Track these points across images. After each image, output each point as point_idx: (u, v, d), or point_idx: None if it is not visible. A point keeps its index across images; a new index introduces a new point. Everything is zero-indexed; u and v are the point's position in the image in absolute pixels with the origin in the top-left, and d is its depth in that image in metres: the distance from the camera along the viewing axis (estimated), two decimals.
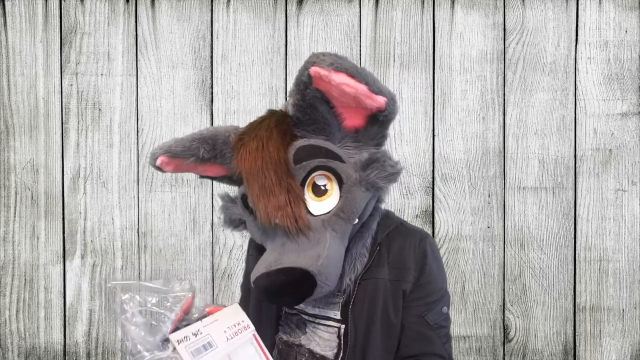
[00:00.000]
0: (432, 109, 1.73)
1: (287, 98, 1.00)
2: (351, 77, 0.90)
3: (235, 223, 1.05)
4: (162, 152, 1.04)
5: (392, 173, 0.98)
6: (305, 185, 0.96)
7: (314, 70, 0.90)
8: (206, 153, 1.03)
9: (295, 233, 0.93)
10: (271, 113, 1.02)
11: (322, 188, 0.96)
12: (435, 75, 1.73)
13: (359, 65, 1.72)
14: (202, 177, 1.11)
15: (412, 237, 1.07)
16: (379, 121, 0.98)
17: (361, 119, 0.99)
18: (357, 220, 0.99)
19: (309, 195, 0.96)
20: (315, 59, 0.90)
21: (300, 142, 0.98)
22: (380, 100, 0.94)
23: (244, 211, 1.01)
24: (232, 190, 1.10)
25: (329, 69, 0.89)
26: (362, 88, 0.91)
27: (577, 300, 1.73)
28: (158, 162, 1.04)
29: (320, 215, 0.96)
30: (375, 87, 0.93)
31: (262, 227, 0.98)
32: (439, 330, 1.06)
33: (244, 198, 1.01)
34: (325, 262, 0.91)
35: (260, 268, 0.93)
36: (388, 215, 1.10)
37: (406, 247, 1.05)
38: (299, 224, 0.93)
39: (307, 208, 0.96)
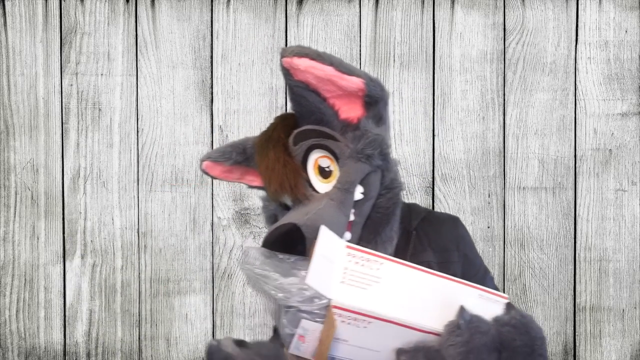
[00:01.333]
0: (432, 109, 1.73)
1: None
2: (314, 60, 1.00)
3: (272, 220, 1.13)
4: (205, 157, 1.18)
5: (374, 139, 1.05)
6: (312, 167, 1.06)
7: (283, 61, 1.01)
8: (239, 156, 1.15)
9: (293, 199, 1.04)
10: (281, 114, 1.16)
11: (327, 170, 1.06)
12: (435, 75, 1.73)
13: (358, 65, 1.73)
14: (251, 187, 1.21)
15: (447, 221, 1.17)
16: (370, 105, 1.06)
17: (359, 108, 1.06)
18: (362, 195, 1.05)
19: (317, 178, 1.06)
20: (283, 53, 1.02)
21: (298, 129, 1.08)
22: (356, 80, 1.02)
23: (274, 204, 1.11)
24: None
25: (292, 56, 1.00)
26: (329, 69, 1.01)
27: (577, 300, 1.74)
28: (203, 166, 1.18)
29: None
30: (343, 68, 1.02)
31: (284, 211, 1.07)
32: (497, 291, 1.15)
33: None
34: (312, 217, 0.99)
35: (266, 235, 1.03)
36: (416, 205, 1.22)
37: (443, 230, 1.14)
38: (294, 192, 1.03)
39: (309, 184, 1.06)
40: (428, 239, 1.13)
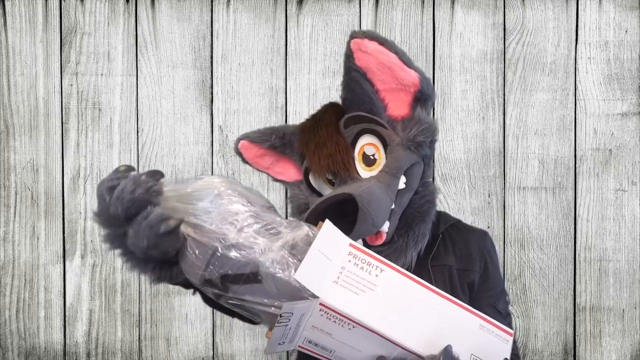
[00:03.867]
0: (432, 109, 1.73)
1: (339, 86, 1.12)
2: (382, 45, 1.03)
3: (301, 209, 1.13)
4: (243, 136, 1.18)
5: (428, 127, 1.07)
6: (357, 153, 1.07)
7: (353, 42, 1.04)
8: (277, 140, 1.16)
9: (344, 176, 1.04)
10: (329, 102, 1.16)
11: (372, 157, 1.07)
12: (435, 75, 1.73)
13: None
14: (275, 180, 1.21)
15: (475, 232, 1.18)
16: (419, 102, 1.08)
17: (406, 107, 1.08)
18: (404, 185, 1.06)
19: (360, 165, 1.07)
20: (353, 34, 1.05)
21: (350, 114, 1.09)
22: (413, 74, 1.05)
23: (308, 191, 1.12)
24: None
25: (363, 37, 1.03)
26: (393, 57, 1.04)
27: (577, 300, 1.74)
28: (240, 145, 1.17)
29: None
30: (406, 59, 1.05)
31: (318, 198, 1.06)
32: (508, 317, 1.16)
33: (307, 174, 1.11)
34: (367, 191, 1.00)
35: (316, 203, 1.02)
36: (446, 213, 1.22)
37: (470, 240, 1.15)
38: (347, 169, 1.04)
39: (354, 162, 1.06)
40: (453, 244, 1.13)
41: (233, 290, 0.88)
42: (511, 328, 1.14)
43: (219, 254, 0.88)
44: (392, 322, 0.89)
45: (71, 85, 1.73)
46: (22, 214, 1.72)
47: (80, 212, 1.73)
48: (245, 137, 1.18)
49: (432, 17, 1.73)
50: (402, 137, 1.06)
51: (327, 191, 1.07)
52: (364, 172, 1.06)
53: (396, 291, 0.91)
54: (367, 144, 1.07)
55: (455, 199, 1.73)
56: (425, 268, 1.10)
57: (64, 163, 1.73)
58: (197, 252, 0.88)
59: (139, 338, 1.73)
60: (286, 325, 0.87)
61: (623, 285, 1.73)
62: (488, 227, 1.73)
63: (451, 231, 1.15)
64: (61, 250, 1.73)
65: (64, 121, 1.73)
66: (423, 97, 1.08)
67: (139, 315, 1.73)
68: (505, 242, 1.73)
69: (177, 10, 1.73)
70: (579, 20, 1.73)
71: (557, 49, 1.73)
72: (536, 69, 1.73)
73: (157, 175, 0.92)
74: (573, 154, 1.73)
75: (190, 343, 1.73)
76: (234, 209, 0.91)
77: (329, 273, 0.88)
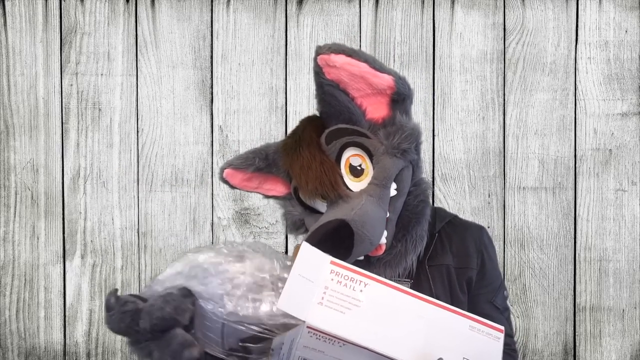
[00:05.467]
0: (432, 109, 1.73)
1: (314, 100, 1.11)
2: (350, 57, 1.02)
3: (297, 225, 1.13)
4: (226, 166, 1.16)
5: (411, 133, 1.06)
6: (343, 166, 1.06)
7: (319, 58, 1.03)
8: (261, 162, 1.14)
9: (335, 198, 1.03)
10: (306, 117, 1.14)
11: (359, 168, 1.05)
12: (435, 75, 1.73)
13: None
14: (267, 197, 1.19)
15: (471, 228, 1.16)
16: (397, 103, 1.06)
17: (384, 108, 1.07)
18: (395, 191, 1.05)
19: (348, 177, 1.05)
20: (317, 49, 1.04)
21: (329, 128, 1.08)
22: (387, 77, 1.04)
23: (300, 208, 1.11)
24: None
25: (329, 53, 1.02)
26: (363, 65, 1.02)
27: (577, 300, 1.74)
28: (224, 174, 1.16)
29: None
30: (377, 65, 1.03)
31: (315, 215, 1.07)
32: (505, 312, 1.16)
33: (296, 192, 1.10)
34: (359, 212, 0.99)
35: (311, 231, 1.02)
36: (442, 209, 1.21)
37: (467, 237, 1.14)
38: (336, 189, 1.03)
39: (344, 182, 1.05)
40: (450, 242, 1.13)
41: (255, 350, 0.92)
42: (510, 322, 1.16)
43: (228, 326, 0.92)
44: (380, 337, 0.88)
45: (71, 85, 1.73)
46: (22, 214, 1.72)
47: (80, 212, 1.73)
48: (229, 165, 1.16)
49: (432, 17, 1.73)
50: (387, 145, 1.05)
51: (320, 205, 1.07)
52: (352, 183, 1.05)
53: (382, 304, 0.90)
54: (352, 155, 1.06)
55: (455, 199, 1.73)
56: (423, 269, 1.09)
57: (64, 163, 1.73)
58: (209, 333, 0.93)
59: None
60: (279, 353, 0.88)
61: (623, 285, 1.73)
62: (488, 227, 1.73)
63: (447, 228, 1.14)
64: (61, 250, 1.73)
65: (64, 121, 1.73)
66: (400, 97, 1.06)
67: None
68: (505, 242, 1.73)
69: (177, 10, 1.73)
70: (579, 20, 1.73)
71: (557, 49, 1.73)
72: (536, 69, 1.73)
73: (187, 295, 0.93)
74: (573, 154, 1.73)
75: None
76: (230, 276, 0.94)
77: (313, 295, 0.88)
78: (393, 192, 1.05)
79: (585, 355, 1.73)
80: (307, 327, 0.86)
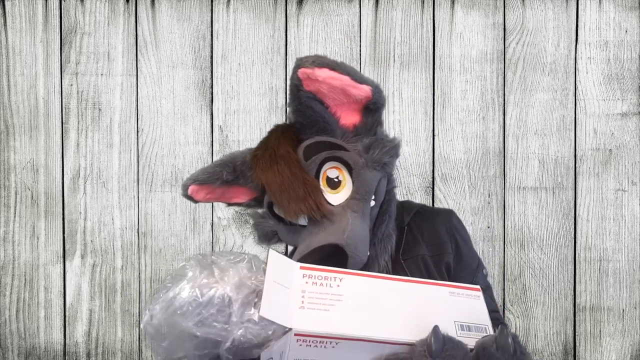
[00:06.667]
0: (432, 109, 1.73)
1: (287, 109, 1.08)
2: (333, 70, 1.01)
3: (269, 236, 1.11)
4: (191, 181, 1.13)
5: (392, 147, 1.06)
6: (320, 179, 1.04)
7: (301, 71, 1.02)
8: (229, 175, 1.11)
9: (319, 219, 1.01)
10: (277, 126, 1.12)
11: (336, 180, 1.04)
12: (435, 75, 1.73)
13: (358, 65, 1.73)
14: (230, 204, 1.17)
15: (440, 214, 1.16)
16: (371, 111, 1.07)
17: (356, 115, 1.07)
18: (373, 202, 1.05)
19: (325, 190, 1.04)
20: (299, 62, 1.02)
21: (306, 142, 1.06)
22: (366, 88, 1.04)
23: (274, 220, 1.08)
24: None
25: (312, 67, 1.01)
26: (346, 78, 1.02)
27: (577, 300, 1.74)
28: (189, 191, 1.13)
29: (340, 204, 1.03)
30: (358, 77, 1.03)
31: (291, 227, 1.05)
32: (488, 290, 1.16)
33: (270, 207, 1.08)
34: (350, 234, 0.99)
35: (295, 257, 1.00)
36: (409, 201, 1.21)
37: (437, 223, 1.13)
38: (321, 210, 1.01)
39: (325, 199, 1.03)
40: (421, 232, 1.12)
41: None
42: (494, 299, 1.17)
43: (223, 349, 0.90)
44: (370, 323, 0.87)
45: (71, 85, 1.73)
46: (22, 214, 1.72)
47: (80, 212, 1.73)
48: (194, 180, 1.12)
49: (432, 17, 1.73)
50: (367, 159, 1.04)
51: (300, 220, 1.04)
52: (330, 196, 1.04)
53: (362, 293, 0.90)
54: (329, 168, 1.04)
55: (455, 199, 1.73)
56: (398, 264, 1.09)
57: (64, 163, 1.73)
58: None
59: (139, 338, 1.73)
60: None
61: (623, 285, 1.73)
62: (488, 227, 1.73)
63: (416, 219, 1.13)
64: (61, 250, 1.73)
65: (64, 121, 1.73)
66: (375, 106, 1.06)
67: (139, 315, 1.73)
68: (505, 242, 1.73)
69: (177, 10, 1.73)
70: (579, 20, 1.73)
71: (557, 49, 1.73)
72: (536, 69, 1.73)
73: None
74: (573, 154, 1.73)
75: None
76: (218, 301, 0.91)
77: (292, 301, 0.87)
78: (372, 203, 1.05)
79: (585, 355, 1.73)
80: (295, 334, 0.84)
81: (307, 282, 0.89)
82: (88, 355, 1.73)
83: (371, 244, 1.06)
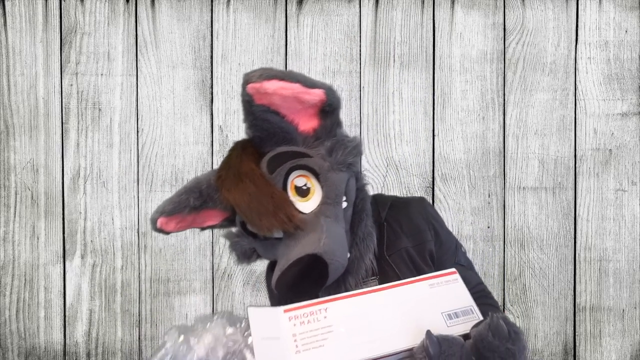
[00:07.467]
0: (432, 109, 1.73)
1: (244, 125, 1.09)
2: (282, 80, 0.99)
3: (247, 254, 1.10)
4: (158, 214, 1.11)
5: (354, 146, 1.06)
6: (289, 190, 1.03)
7: (249, 87, 1.00)
8: (196, 201, 1.10)
9: (293, 230, 1.00)
10: (236, 143, 1.11)
11: (304, 188, 1.03)
12: (435, 75, 1.73)
13: (358, 65, 1.73)
14: (204, 228, 1.16)
15: (413, 203, 1.16)
16: (328, 113, 1.06)
17: (314, 119, 1.06)
18: (346, 203, 1.05)
19: (295, 199, 1.02)
20: (247, 78, 1.01)
21: (268, 155, 1.05)
22: (318, 92, 1.02)
23: (249, 238, 1.07)
24: None
25: (260, 80, 0.99)
26: (296, 86, 1.00)
27: (577, 300, 1.74)
28: (158, 224, 1.11)
29: (312, 211, 1.02)
30: (309, 83, 1.01)
31: (267, 242, 1.04)
32: (471, 266, 1.18)
33: (243, 225, 1.06)
34: (327, 242, 0.97)
35: (276, 273, 0.99)
36: (381, 195, 1.19)
37: (412, 213, 1.13)
38: (293, 221, 1.00)
39: (296, 208, 1.02)
40: (400, 225, 1.12)
41: None
42: (477, 273, 1.19)
43: None
44: (366, 343, 0.88)
45: (71, 85, 1.73)
46: (22, 214, 1.72)
47: (80, 212, 1.73)
48: (161, 213, 1.10)
49: (432, 17, 1.73)
50: (331, 162, 1.03)
51: (274, 233, 1.04)
52: (300, 204, 1.02)
53: (350, 316, 0.90)
54: (296, 177, 1.03)
55: (455, 199, 1.73)
56: (384, 260, 1.09)
57: (64, 163, 1.73)
58: None
59: (139, 338, 1.73)
60: None
61: (623, 285, 1.73)
62: (488, 227, 1.73)
63: (392, 213, 1.13)
64: (61, 250, 1.73)
65: (64, 121, 1.73)
66: (331, 107, 1.05)
67: (139, 315, 1.73)
68: (505, 242, 1.73)
69: (177, 10, 1.73)
70: (579, 20, 1.73)
71: (557, 49, 1.73)
72: (536, 69, 1.73)
73: None
74: (573, 154, 1.73)
75: None
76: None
77: (286, 349, 0.86)
78: (344, 205, 1.04)
79: (585, 355, 1.73)
80: None
81: (295, 325, 0.87)
82: (88, 355, 1.73)
83: (353, 244, 1.05)
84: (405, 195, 1.22)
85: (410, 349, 0.89)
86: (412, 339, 0.89)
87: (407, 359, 0.89)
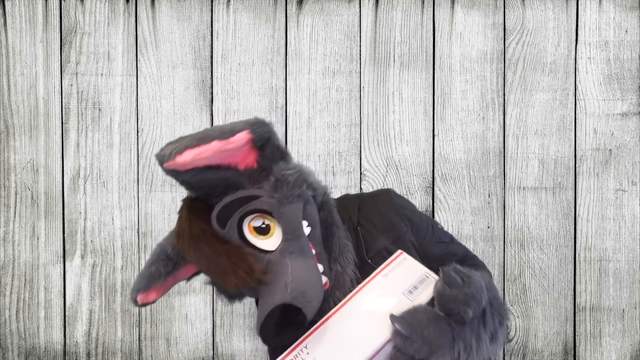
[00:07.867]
0: (432, 109, 1.73)
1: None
2: (196, 147, 0.94)
3: (235, 295, 1.10)
4: (135, 293, 1.09)
5: (295, 179, 1.02)
6: (248, 234, 1.01)
7: (166, 168, 0.95)
8: (167, 267, 1.09)
9: (257, 285, 0.99)
10: (182, 203, 1.08)
11: (264, 226, 1.01)
12: (435, 75, 1.73)
13: (358, 65, 1.73)
14: (189, 280, 1.15)
15: (380, 199, 1.15)
16: (263, 145, 1.02)
17: (251, 153, 1.02)
18: (309, 229, 1.03)
19: (258, 240, 1.01)
20: (160, 160, 0.95)
21: (216, 208, 1.02)
22: (241, 136, 0.97)
23: (226, 292, 1.08)
24: None
25: (174, 157, 0.94)
26: (213, 145, 0.95)
27: (577, 300, 1.74)
28: (139, 301, 1.09)
29: (277, 247, 1.01)
30: (227, 133, 0.96)
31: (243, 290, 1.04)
32: (452, 239, 1.19)
33: (215, 283, 1.08)
34: (293, 286, 0.96)
35: (257, 325, 0.99)
36: (346, 197, 1.19)
37: (382, 209, 1.13)
38: (254, 276, 0.98)
39: (256, 259, 1.00)
40: (373, 225, 1.11)
41: None
42: (460, 244, 1.21)
43: None
44: (350, 354, 0.93)
45: (71, 85, 1.73)
46: (22, 214, 1.72)
47: (80, 212, 1.73)
48: (137, 291, 1.09)
49: (432, 17, 1.73)
50: (279, 198, 1.00)
51: None
52: (265, 242, 1.01)
53: (328, 341, 0.94)
54: (251, 219, 1.01)
55: (455, 199, 1.73)
56: (367, 265, 1.09)
57: (64, 163, 1.73)
58: None
59: (139, 338, 1.73)
60: None
61: (623, 285, 1.73)
62: (488, 227, 1.73)
63: (363, 214, 1.12)
64: (61, 250, 1.73)
65: (64, 121, 1.73)
66: (260, 142, 1.00)
67: (139, 315, 1.73)
68: (505, 242, 1.73)
69: (177, 10, 1.73)
70: (579, 20, 1.73)
71: (557, 49, 1.73)
72: (536, 69, 1.73)
73: None
74: (573, 154, 1.73)
75: (190, 343, 1.73)
76: None
77: None
78: (307, 230, 1.03)
79: (585, 355, 1.73)
80: None
81: None
82: (88, 355, 1.73)
83: (332, 260, 1.05)
84: (373, 191, 1.21)
85: (388, 340, 0.93)
86: (387, 331, 0.94)
87: (393, 350, 0.93)
